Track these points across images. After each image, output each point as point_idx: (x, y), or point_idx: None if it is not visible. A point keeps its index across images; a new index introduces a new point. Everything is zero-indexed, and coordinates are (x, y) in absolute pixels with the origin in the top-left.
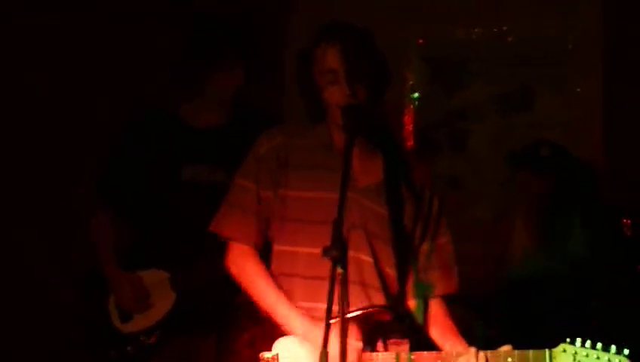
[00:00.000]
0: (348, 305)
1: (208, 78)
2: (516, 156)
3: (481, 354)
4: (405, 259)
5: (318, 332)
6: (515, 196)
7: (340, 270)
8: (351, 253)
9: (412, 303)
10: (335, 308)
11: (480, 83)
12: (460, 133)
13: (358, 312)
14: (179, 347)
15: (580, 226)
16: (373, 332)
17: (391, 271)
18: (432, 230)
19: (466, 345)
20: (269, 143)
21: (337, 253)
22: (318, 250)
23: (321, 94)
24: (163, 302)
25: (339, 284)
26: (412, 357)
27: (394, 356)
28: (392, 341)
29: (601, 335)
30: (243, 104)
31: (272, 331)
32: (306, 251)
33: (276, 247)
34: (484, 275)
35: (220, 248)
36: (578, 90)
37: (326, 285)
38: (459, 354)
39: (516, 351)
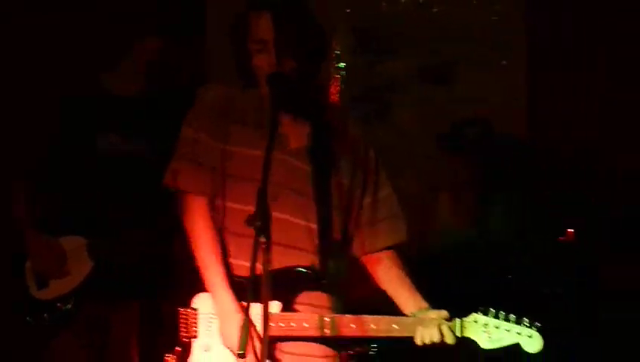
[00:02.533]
0: (270, 273)
1: (128, 49)
2: (444, 138)
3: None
4: (338, 216)
5: (233, 318)
6: (440, 170)
7: (262, 239)
8: (279, 215)
9: (361, 254)
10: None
11: (406, 55)
12: (384, 105)
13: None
14: (94, 315)
15: (503, 201)
16: (294, 294)
17: (321, 230)
18: (372, 183)
19: (421, 299)
20: (213, 93)
21: (261, 223)
22: (248, 208)
23: (250, 61)
24: (80, 269)
25: (262, 253)
26: (335, 318)
27: (316, 317)
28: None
29: (519, 308)
30: (165, 74)
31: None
32: (235, 207)
33: (215, 201)
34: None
35: (140, 216)
36: (504, 62)
37: (248, 243)
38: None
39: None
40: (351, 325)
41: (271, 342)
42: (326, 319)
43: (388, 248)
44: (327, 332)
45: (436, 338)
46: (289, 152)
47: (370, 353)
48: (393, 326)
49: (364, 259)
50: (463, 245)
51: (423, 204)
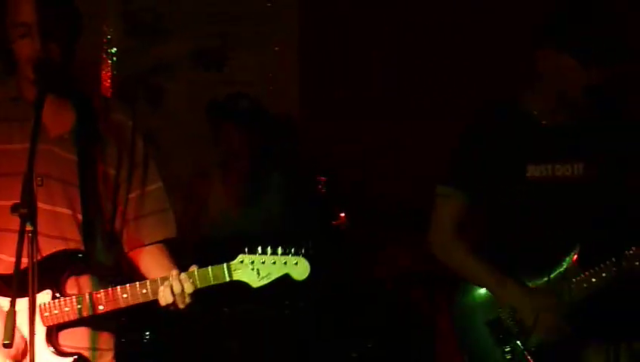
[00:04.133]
0: (37, 261)
1: None
2: (216, 107)
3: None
4: (106, 206)
5: None
6: (213, 153)
7: (29, 227)
8: (47, 207)
9: (129, 249)
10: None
11: (177, 39)
12: (156, 88)
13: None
14: None
15: (276, 185)
16: (63, 281)
17: (88, 220)
18: (140, 176)
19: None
20: None
21: (26, 210)
22: (6, 203)
23: (11, 46)
24: None
25: (28, 242)
26: (97, 295)
27: (76, 298)
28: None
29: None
30: None
31: None
32: None
33: None
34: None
35: None
36: (276, 49)
37: (11, 237)
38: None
39: (196, 270)
40: (105, 300)
41: (50, 331)
42: (86, 298)
43: (155, 243)
44: (85, 312)
45: (178, 293)
46: (51, 141)
47: (144, 340)
48: (143, 291)
49: (132, 254)
50: (236, 224)
51: (194, 187)
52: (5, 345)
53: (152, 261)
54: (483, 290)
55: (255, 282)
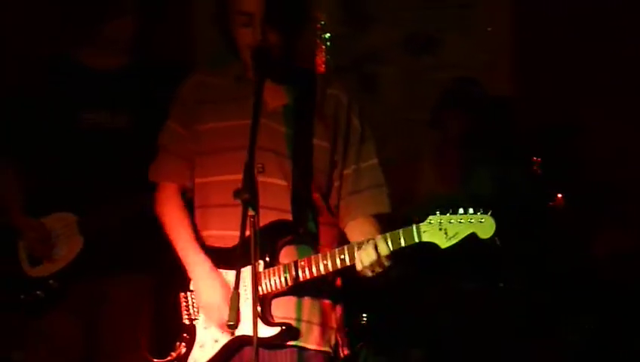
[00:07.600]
0: (258, 247)
1: (101, 26)
2: (449, 95)
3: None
4: (318, 178)
5: (211, 283)
6: (426, 138)
7: (251, 212)
8: (262, 178)
9: (344, 224)
10: None
11: (388, 25)
12: (369, 75)
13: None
14: (88, 290)
15: (489, 167)
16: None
17: (299, 190)
18: (354, 154)
19: None
20: (189, 83)
21: (248, 195)
22: (228, 177)
23: (233, 34)
24: (71, 246)
25: (250, 227)
26: (301, 263)
27: (283, 267)
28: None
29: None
30: (146, 48)
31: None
32: (217, 180)
33: (195, 181)
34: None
35: (128, 190)
36: (489, 29)
37: (237, 212)
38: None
39: (388, 233)
40: (305, 268)
41: (261, 301)
42: (291, 267)
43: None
44: (291, 282)
45: (373, 256)
46: (267, 115)
47: (362, 322)
48: (341, 257)
49: (346, 228)
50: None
51: (407, 173)
52: (230, 326)
53: (359, 232)
54: None
55: (443, 242)
